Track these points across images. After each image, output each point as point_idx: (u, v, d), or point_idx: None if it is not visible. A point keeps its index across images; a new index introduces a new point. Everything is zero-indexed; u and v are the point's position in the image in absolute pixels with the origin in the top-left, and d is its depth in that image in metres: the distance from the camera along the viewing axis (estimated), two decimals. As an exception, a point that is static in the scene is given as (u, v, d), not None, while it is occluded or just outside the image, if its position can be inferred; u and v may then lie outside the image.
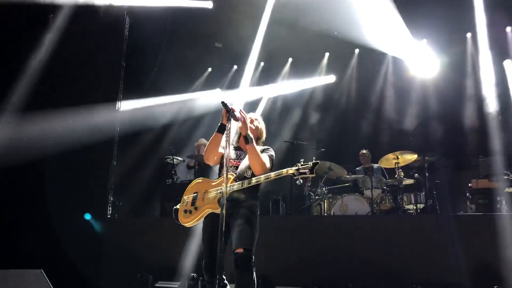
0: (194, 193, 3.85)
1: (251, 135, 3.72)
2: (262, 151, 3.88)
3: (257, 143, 3.87)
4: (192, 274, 6.23)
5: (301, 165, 3.54)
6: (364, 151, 8.68)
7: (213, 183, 3.81)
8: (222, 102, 3.59)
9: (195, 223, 3.78)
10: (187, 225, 3.81)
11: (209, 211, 3.68)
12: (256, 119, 4.08)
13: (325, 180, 8.14)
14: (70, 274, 6.63)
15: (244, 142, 3.74)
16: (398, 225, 6.13)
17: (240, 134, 3.90)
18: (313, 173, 3.51)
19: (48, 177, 7.58)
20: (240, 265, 3.46)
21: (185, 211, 3.81)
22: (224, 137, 3.66)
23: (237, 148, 4.01)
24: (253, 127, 3.96)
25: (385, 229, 6.05)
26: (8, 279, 4.34)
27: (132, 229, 7.39)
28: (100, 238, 7.23)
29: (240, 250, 3.47)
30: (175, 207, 3.92)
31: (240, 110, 3.73)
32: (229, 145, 3.46)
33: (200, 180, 3.97)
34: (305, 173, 3.50)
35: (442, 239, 5.64)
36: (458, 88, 9.85)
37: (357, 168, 8.79)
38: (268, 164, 3.75)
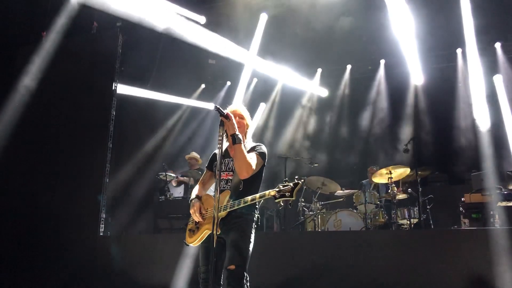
0: None
1: (240, 135, 3.53)
2: (253, 148, 3.72)
3: (244, 137, 3.72)
4: (185, 291, 6.15)
5: (283, 187, 3.40)
6: (374, 168, 8.55)
7: (212, 201, 3.68)
8: (215, 107, 3.45)
9: (198, 243, 3.66)
10: (191, 244, 3.72)
11: (207, 232, 3.61)
12: (241, 113, 3.83)
13: (319, 196, 8.12)
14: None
15: (231, 143, 3.53)
16: (391, 240, 6.10)
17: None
18: (292, 196, 3.35)
19: (40, 196, 7.53)
20: (231, 282, 3.40)
21: (190, 230, 3.76)
22: (217, 151, 3.43)
23: (224, 155, 3.78)
24: (241, 123, 3.75)
25: (379, 245, 6.01)
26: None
27: (125, 246, 7.30)
28: (92, 256, 7.13)
29: (231, 267, 3.40)
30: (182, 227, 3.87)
31: (227, 113, 3.55)
32: (221, 154, 3.37)
33: (206, 196, 3.84)
34: (285, 195, 3.36)
35: (436, 254, 5.62)
36: (449, 103, 9.96)
37: (363, 181, 8.77)
38: (254, 166, 3.56)
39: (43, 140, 7.79)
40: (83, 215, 7.42)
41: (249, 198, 3.53)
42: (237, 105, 3.93)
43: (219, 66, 11.07)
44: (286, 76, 10.95)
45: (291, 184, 3.39)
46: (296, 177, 3.48)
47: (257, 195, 3.51)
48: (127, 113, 9.36)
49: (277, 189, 3.41)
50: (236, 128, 3.54)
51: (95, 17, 8.31)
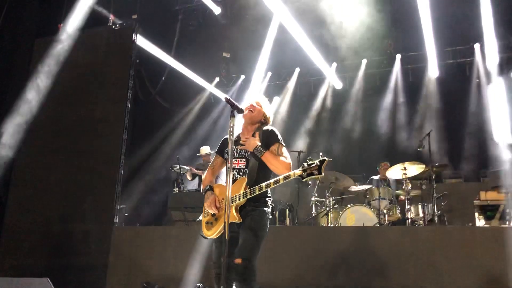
0: None
1: (259, 147, 3.56)
2: (270, 139, 3.69)
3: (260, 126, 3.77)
4: (198, 284, 6.19)
5: (308, 165, 3.35)
6: (387, 163, 8.41)
7: (225, 190, 3.55)
8: (225, 98, 3.43)
9: (218, 235, 3.58)
10: (210, 237, 3.64)
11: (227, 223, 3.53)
12: (258, 101, 3.84)
13: (332, 191, 8.09)
14: (76, 283, 6.62)
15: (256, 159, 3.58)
16: (405, 236, 6.07)
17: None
18: (321, 173, 3.31)
19: (55, 185, 7.62)
20: (236, 276, 3.35)
21: (207, 223, 3.68)
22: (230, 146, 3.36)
23: (236, 142, 3.74)
24: (258, 110, 3.78)
25: (392, 241, 5.99)
26: (14, 288, 4.35)
27: (138, 237, 7.37)
28: (106, 246, 7.21)
29: (237, 261, 3.36)
30: (198, 219, 3.79)
31: (245, 137, 3.65)
32: (232, 145, 3.31)
33: (219, 187, 3.78)
34: (313, 174, 3.31)
35: (450, 251, 5.59)
36: (465, 99, 9.84)
37: (373, 177, 8.61)
38: (289, 159, 3.57)
39: (59, 132, 7.87)
40: (98, 205, 7.50)
41: (272, 181, 3.48)
42: (258, 95, 3.93)
43: (233, 60, 11.05)
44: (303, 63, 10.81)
45: (317, 161, 3.35)
46: (321, 153, 3.48)
47: (281, 177, 3.45)
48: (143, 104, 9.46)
49: (302, 169, 3.37)
50: (254, 143, 3.58)
51: (111, 10, 8.34)
